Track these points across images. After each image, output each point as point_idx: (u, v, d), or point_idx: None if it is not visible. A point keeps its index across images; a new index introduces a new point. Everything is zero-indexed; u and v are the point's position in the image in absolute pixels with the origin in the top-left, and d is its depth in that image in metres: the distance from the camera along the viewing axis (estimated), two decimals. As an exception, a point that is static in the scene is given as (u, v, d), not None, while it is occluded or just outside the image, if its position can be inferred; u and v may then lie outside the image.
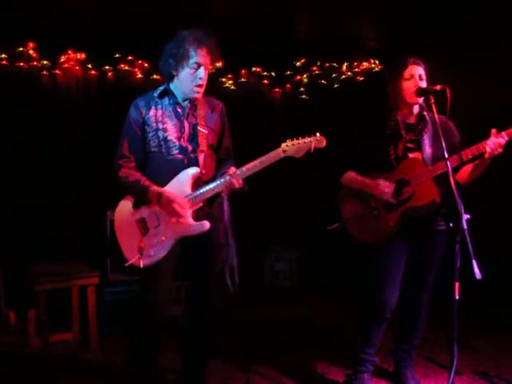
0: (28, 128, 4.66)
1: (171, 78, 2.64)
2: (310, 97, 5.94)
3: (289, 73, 5.90)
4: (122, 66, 5.07)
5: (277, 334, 4.15)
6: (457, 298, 2.34)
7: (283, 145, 2.53)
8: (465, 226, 2.30)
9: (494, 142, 2.61)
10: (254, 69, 5.74)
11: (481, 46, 4.54)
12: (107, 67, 5.03)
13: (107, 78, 5.06)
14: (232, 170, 2.57)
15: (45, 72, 4.79)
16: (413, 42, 4.69)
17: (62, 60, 4.83)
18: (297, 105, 5.95)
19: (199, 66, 2.55)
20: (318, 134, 2.52)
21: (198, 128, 2.65)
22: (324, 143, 2.52)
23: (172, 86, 2.67)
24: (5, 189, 4.51)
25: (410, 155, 2.87)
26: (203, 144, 2.65)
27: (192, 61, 2.53)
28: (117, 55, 5.04)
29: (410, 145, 2.87)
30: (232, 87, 5.62)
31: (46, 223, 4.65)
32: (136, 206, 2.63)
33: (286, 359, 3.56)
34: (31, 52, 4.68)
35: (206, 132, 2.68)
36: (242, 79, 5.69)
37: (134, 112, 2.67)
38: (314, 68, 5.87)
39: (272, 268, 5.69)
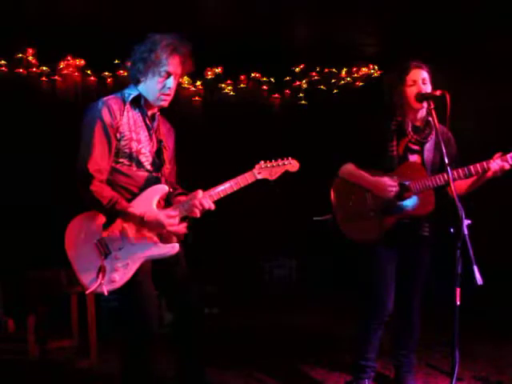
0: (27, 134, 4.65)
1: (137, 81, 2.42)
2: (309, 102, 5.94)
3: (288, 78, 5.91)
4: (121, 72, 5.07)
5: (276, 340, 4.13)
6: (458, 303, 2.33)
7: (257, 166, 2.50)
8: (465, 232, 2.29)
9: (500, 166, 2.61)
10: (253, 74, 5.75)
11: (481, 52, 4.55)
12: (106, 73, 5.03)
13: (106, 84, 5.06)
14: (199, 193, 2.38)
15: (44, 78, 4.79)
16: (412, 48, 4.70)
17: (62, 66, 4.84)
18: (296, 110, 5.95)
19: (169, 75, 2.37)
20: (290, 158, 2.53)
21: (163, 145, 2.52)
22: (297, 167, 2.53)
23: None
24: (2, 195, 4.50)
25: (410, 157, 2.84)
26: (167, 162, 2.53)
27: (162, 69, 2.35)
28: (116, 61, 5.04)
29: (412, 146, 2.84)
30: (231, 93, 5.62)
31: (44, 230, 4.63)
32: (106, 226, 2.33)
33: (285, 366, 3.54)
34: (30, 58, 4.69)
35: (167, 150, 2.56)
36: (242, 85, 5.69)
37: (108, 115, 2.33)
38: (313, 74, 5.89)
39: (271, 274, 5.68)
